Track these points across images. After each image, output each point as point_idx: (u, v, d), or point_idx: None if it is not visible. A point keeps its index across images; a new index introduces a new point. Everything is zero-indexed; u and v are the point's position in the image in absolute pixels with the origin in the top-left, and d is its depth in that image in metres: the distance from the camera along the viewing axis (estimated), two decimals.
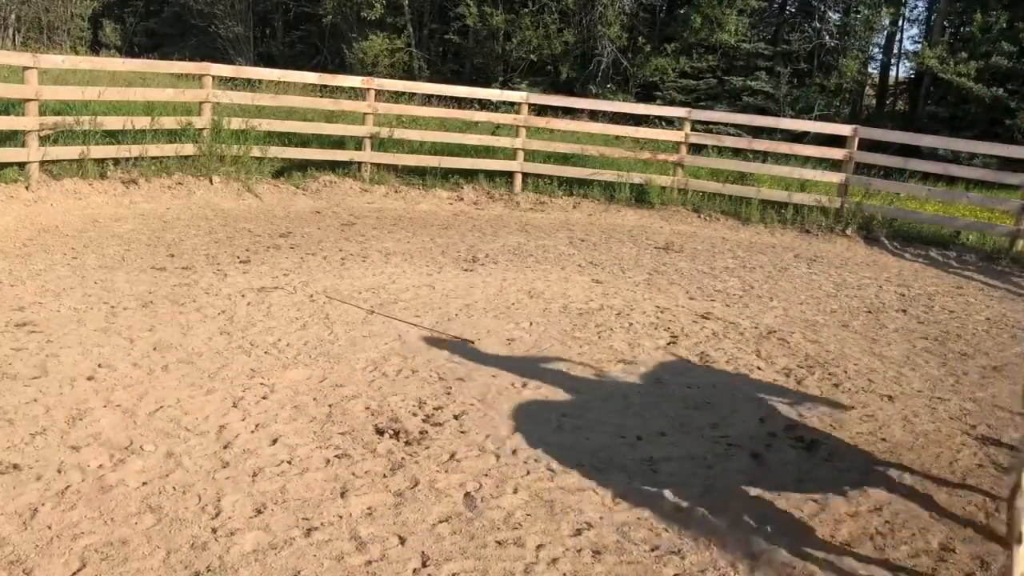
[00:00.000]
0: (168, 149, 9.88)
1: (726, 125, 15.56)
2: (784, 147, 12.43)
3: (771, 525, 3.47)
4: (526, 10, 22.38)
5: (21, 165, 8.82)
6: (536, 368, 5.13)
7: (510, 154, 11.77)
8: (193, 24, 27.24)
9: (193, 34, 27.89)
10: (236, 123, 10.40)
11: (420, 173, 11.47)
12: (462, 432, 4.13)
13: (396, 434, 4.03)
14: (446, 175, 11.49)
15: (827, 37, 23.08)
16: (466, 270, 7.52)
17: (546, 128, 12.26)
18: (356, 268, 7.26)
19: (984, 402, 5.22)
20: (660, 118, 17.26)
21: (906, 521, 3.61)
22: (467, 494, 3.54)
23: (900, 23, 25.42)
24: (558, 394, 4.74)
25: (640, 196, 11.55)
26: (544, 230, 9.86)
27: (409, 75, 22.59)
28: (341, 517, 3.28)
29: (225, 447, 3.78)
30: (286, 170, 10.82)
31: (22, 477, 3.39)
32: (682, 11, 23.27)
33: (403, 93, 13.42)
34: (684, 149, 11.90)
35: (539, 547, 3.18)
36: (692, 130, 12.18)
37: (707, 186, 11.73)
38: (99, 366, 4.61)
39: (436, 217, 10.17)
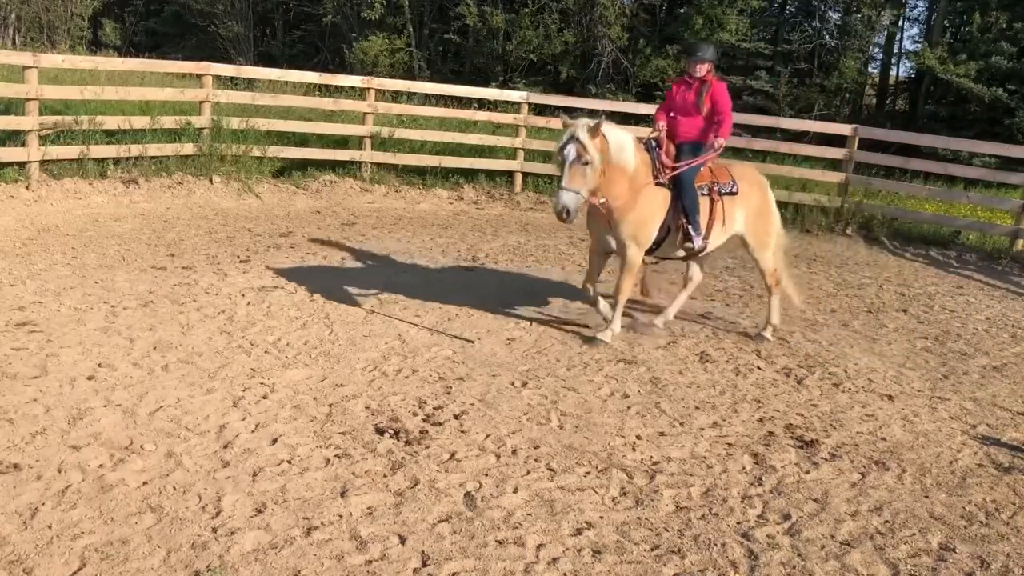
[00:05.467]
0: (168, 149, 9.88)
1: None
2: (784, 147, 12.41)
3: None
4: (526, 10, 22.33)
5: (21, 165, 8.82)
6: (536, 367, 5.13)
7: (510, 154, 11.77)
8: (193, 24, 27.19)
9: (193, 34, 27.84)
10: (236, 123, 10.40)
11: (420, 173, 11.47)
12: (462, 432, 4.13)
13: (396, 434, 4.03)
14: (446, 175, 11.49)
15: (827, 37, 23.05)
16: (466, 269, 7.52)
17: (546, 128, 12.25)
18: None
19: (984, 402, 5.22)
20: None
21: (906, 521, 3.61)
22: (467, 494, 3.54)
23: (900, 23, 25.38)
24: (558, 393, 4.74)
25: None
26: (544, 230, 9.86)
27: (409, 75, 22.56)
28: (341, 517, 3.28)
29: (225, 447, 3.78)
30: (286, 170, 10.82)
31: (22, 477, 3.39)
32: (682, 11, 23.25)
33: (403, 93, 13.41)
34: None
35: (539, 547, 3.18)
36: None
37: None
38: (99, 366, 4.61)
39: (436, 217, 10.17)
